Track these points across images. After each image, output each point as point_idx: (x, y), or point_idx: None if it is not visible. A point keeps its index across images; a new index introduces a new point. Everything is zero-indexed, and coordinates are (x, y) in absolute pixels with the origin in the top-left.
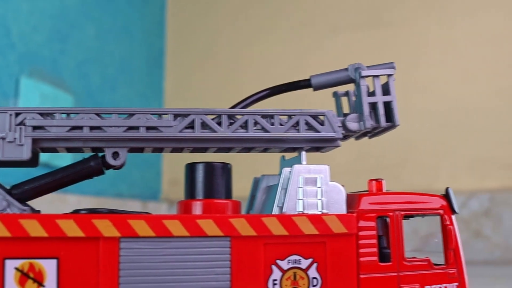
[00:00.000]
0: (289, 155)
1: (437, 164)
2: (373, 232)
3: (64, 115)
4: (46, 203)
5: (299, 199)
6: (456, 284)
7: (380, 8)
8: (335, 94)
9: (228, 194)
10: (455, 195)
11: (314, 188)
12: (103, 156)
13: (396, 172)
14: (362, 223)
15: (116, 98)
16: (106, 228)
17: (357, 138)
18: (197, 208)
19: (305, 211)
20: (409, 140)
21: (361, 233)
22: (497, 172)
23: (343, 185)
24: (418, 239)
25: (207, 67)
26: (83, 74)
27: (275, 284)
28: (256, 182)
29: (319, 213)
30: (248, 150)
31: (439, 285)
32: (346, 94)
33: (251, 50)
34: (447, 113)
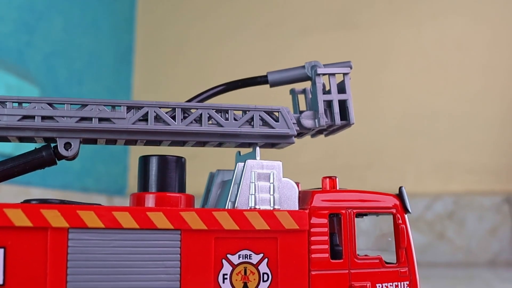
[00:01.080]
0: (245, 151)
1: (403, 167)
2: (325, 229)
3: (16, 104)
4: (11, 196)
5: (251, 195)
6: (407, 282)
7: (349, 10)
8: (292, 92)
9: (181, 188)
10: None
11: (266, 184)
12: (56, 147)
13: (362, 173)
14: (314, 220)
15: (83, 92)
16: (54, 218)
17: (313, 136)
18: (149, 201)
19: (257, 207)
20: (375, 143)
21: (313, 229)
22: (462, 176)
23: (297, 182)
24: (374, 238)
25: (176, 65)
26: (49, 67)
27: (225, 278)
28: (212, 177)
29: (271, 208)
30: (203, 144)
31: (390, 283)
32: (303, 91)
33: (220, 48)
34: (413, 116)
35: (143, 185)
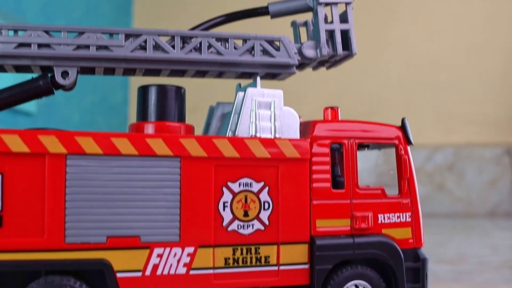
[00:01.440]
0: (245, 84)
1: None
2: (327, 159)
3: (11, 33)
4: None
5: (251, 123)
6: (409, 213)
7: None
8: (293, 24)
9: (181, 118)
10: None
11: (267, 112)
12: (53, 76)
13: None
14: (316, 149)
15: None
16: (52, 144)
17: (314, 68)
18: (148, 130)
19: (258, 135)
20: (377, 94)
21: (314, 158)
22: (463, 127)
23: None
24: (376, 175)
25: (175, 16)
26: (47, 16)
27: (225, 206)
28: (211, 111)
29: (272, 137)
30: (202, 74)
31: (392, 214)
32: (305, 24)
33: None
34: (415, 68)
35: (142, 115)
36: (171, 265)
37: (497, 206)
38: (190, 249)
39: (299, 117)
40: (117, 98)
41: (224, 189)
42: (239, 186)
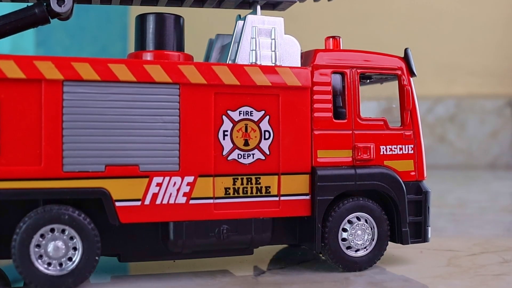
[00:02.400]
0: (245, 16)
1: None
2: (328, 88)
3: None
4: None
5: (252, 50)
6: (412, 145)
7: None
8: None
9: (179, 47)
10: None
11: (268, 40)
12: (48, 4)
13: None
14: (317, 78)
15: None
16: (48, 70)
17: None
18: (147, 59)
19: (258, 63)
20: (378, 43)
21: (315, 88)
22: (464, 78)
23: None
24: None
25: None
26: None
27: (225, 135)
28: (211, 43)
29: (273, 65)
30: (201, 4)
31: (395, 146)
32: None
33: None
34: (417, 18)
35: (140, 44)
36: (170, 194)
37: (498, 158)
38: (190, 179)
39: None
40: (116, 50)
41: (224, 117)
42: (239, 114)
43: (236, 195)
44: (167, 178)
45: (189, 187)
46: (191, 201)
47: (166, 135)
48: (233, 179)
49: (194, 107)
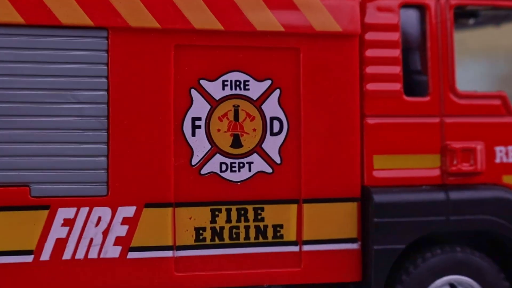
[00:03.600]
0: None
1: None
2: (395, 35)
3: None
4: None
5: None
6: None
7: None
8: None
9: None
10: None
11: None
12: None
13: None
14: (373, 16)
15: None
16: None
17: None
18: None
19: None
20: None
21: (370, 35)
22: None
23: None
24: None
25: None
26: None
27: (196, 126)
28: None
29: None
30: None
31: None
32: None
33: None
34: None
35: None
36: (90, 241)
37: None
38: (128, 211)
39: None
40: None
41: (194, 93)
42: (223, 87)
43: (218, 242)
44: (84, 211)
45: (126, 227)
46: (131, 255)
47: (83, 127)
48: (213, 211)
49: (136, 73)
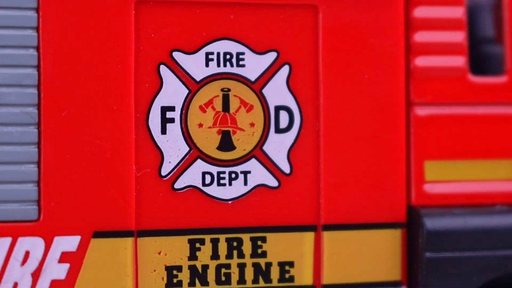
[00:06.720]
0: None
1: None
2: None
3: None
4: None
5: None
6: None
7: None
8: None
9: None
10: None
11: None
12: None
13: None
14: None
15: None
16: None
17: None
18: None
19: None
20: None
21: None
22: None
23: None
24: None
25: None
26: None
27: (168, 120)
28: None
29: None
30: None
31: None
32: None
33: None
34: None
35: None
36: (14, 286)
37: None
38: (69, 242)
39: None
40: None
41: (165, 71)
42: (207, 62)
43: (200, 287)
44: (4, 242)
45: (65, 266)
46: None
47: (1, 122)
48: (192, 243)
49: (79, 42)
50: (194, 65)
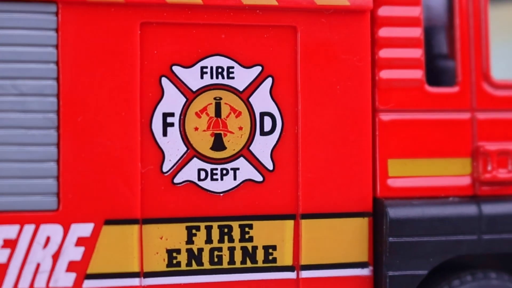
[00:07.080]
0: None
1: None
2: (415, 11)
3: None
4: None
5: None
6: None
7: None
8: None
9: None
10: None
11: None
12: None
13: None
14: None
15: None
16: None
17: None
18: None
19: None
20: None
21: (383, 10)
22: None
23: None
24: None
25: None
26: None
27: (168, 124)
28: None
29: None
30: None
31: None
32: None
33: None
34: None
35: None
36: (37, 266)
37: None
38: (84, 229)
39: None
40: None
41: (166, 82)
42: (202, 75)
43: (195, 267)
44: (28, 229)
45: (81, 249)
46: (87, 284)
47: (26, 125)
48: (189, 229)
49: (93, 58)
50: (191, 77)
